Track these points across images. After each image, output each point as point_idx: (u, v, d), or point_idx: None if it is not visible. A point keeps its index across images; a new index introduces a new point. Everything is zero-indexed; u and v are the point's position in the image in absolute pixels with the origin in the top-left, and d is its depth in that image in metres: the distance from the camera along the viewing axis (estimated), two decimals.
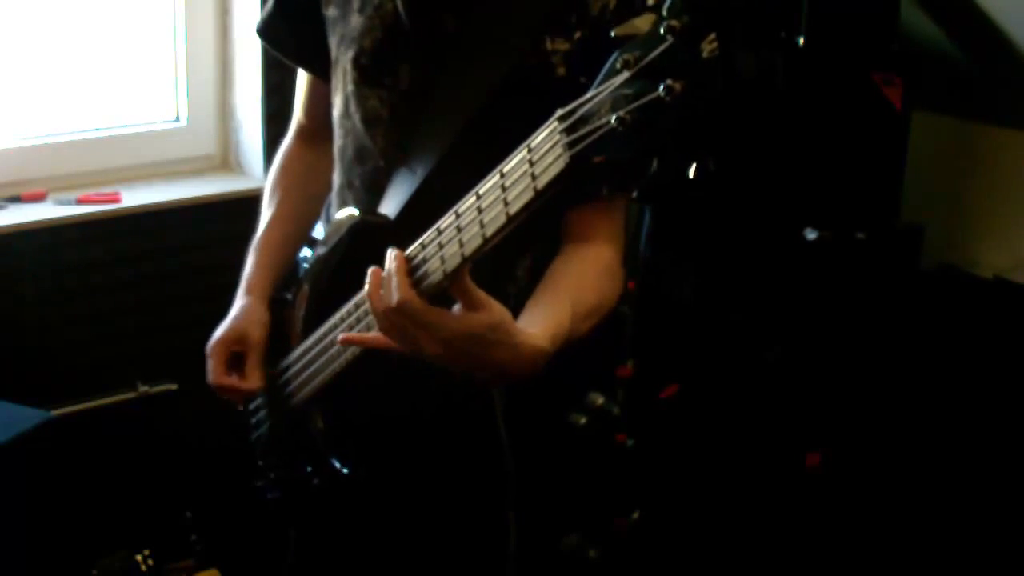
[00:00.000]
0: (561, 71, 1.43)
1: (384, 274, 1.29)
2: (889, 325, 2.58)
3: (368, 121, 1.55)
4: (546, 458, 1.77)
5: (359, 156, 1.59)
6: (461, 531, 1.66)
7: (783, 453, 2.54)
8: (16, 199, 2.67)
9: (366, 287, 1.32)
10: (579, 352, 1.54)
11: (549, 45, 1.42)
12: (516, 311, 1.37)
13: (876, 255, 2.55)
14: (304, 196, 1.79)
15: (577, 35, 1.42)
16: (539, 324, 1.37)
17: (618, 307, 1.54)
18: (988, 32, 2.59)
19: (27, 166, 2.71)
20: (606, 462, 2.56)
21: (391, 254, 1.29)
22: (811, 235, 2.49)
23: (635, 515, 2.57)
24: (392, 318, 1.29)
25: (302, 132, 1.80)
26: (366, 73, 1.53)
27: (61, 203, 2.68)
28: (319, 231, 1.80)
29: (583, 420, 2.47)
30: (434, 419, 1.57)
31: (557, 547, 2.52)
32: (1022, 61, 2.59)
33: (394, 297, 1.27)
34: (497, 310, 1.28)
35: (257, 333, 1.65)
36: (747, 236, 2.55)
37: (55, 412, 2.44)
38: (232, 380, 1.65)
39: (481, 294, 1.27)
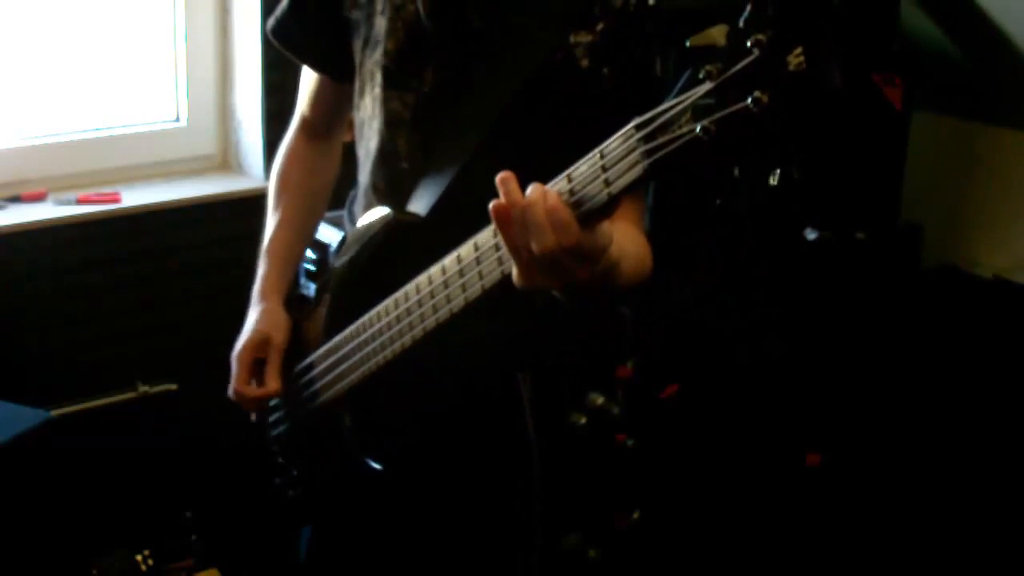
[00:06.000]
0: (584, 63, 1.43)
1: (543, 213, 1.14)
2: (889, 325, 2.58)
3: (390, 123, 1.55)
4: (562, 455, 1.77)
5: (383, 158, 1.59)
6: (486, 527, 1.66)
7: (783, 453, 2.54)
8: (16, 199, 2.67)
9: (486, 234, 1.22)
10: (579, 352, 1.54)
11: (572, 38, 1.43)
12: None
13: (876, 255, 2.55)
14: (309, 194, 1.79)
15: (600, 27, 1.42)
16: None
17: (618, 307, 1.54)
18: (988, 32, 2.59)
19: (27, 166, 2.71)
20: (606, 462, 2.55)
21: (538, 190, 1.15)
22: (811, 235, 2.50)
23: (635, 515, 2.57)
24: (556, 256, 1.14)
25: (305, 126, 1.80)
26: (391, 76, 1.53)
27: (61, 203, 2.68)
28: (331, 232, 1.79)
29: (583, 420, 2.47)
30: (461, 415, 1.57)
31: (557, 547, 2.52)
32: (1022, 61, 2.59)
33: (570, 238, 1.13)
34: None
35: (279, 337, 1.66)
36: (747, 236, 2.56)
37: (55, 412, 2.44)
38: (252, 389, 1.66)
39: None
